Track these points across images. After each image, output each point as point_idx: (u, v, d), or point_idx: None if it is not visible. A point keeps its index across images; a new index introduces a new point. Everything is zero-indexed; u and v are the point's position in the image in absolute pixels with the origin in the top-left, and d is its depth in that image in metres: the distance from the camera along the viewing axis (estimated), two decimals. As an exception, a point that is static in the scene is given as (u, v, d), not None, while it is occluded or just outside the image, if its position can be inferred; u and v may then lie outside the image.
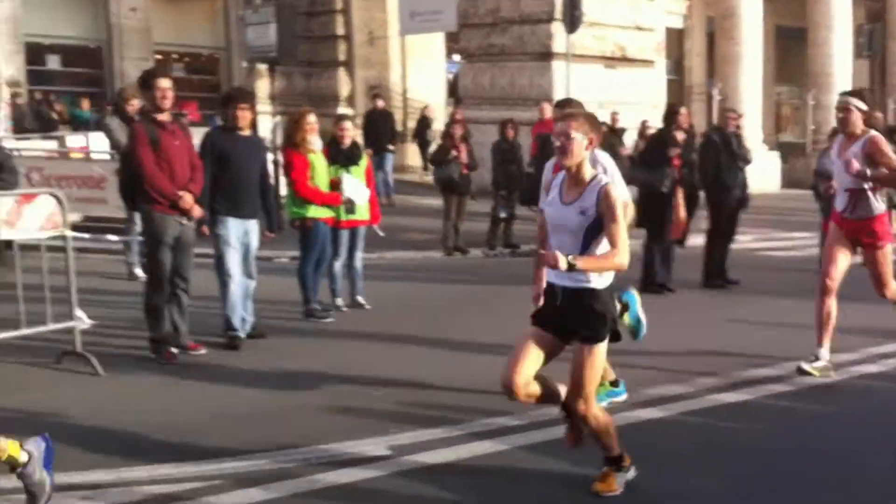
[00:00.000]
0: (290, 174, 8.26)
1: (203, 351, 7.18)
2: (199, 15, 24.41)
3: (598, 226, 4.22)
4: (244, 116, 7.41)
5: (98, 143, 13.58)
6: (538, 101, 15.90)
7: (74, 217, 7.70)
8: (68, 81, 22.03)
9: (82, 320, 6.78)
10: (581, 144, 4.24)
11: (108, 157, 12.09)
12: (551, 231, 4.39)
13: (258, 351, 7.30)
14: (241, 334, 7.42)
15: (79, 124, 17.55)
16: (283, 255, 9.76)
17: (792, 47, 28.49)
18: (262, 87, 22.29)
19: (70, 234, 7.03)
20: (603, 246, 4.29)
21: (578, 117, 4.35)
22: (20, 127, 15.65)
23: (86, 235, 8.11)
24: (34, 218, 6.73)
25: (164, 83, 6.91)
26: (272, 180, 9.50)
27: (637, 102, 17.69)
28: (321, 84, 23.07)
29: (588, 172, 4.31)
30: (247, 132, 7.53)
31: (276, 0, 20.43)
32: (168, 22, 23.32)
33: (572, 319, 4.33)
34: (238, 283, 7.35)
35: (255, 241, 7.53)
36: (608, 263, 4.24)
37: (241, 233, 7.36)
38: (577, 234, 4.25)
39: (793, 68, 28.87)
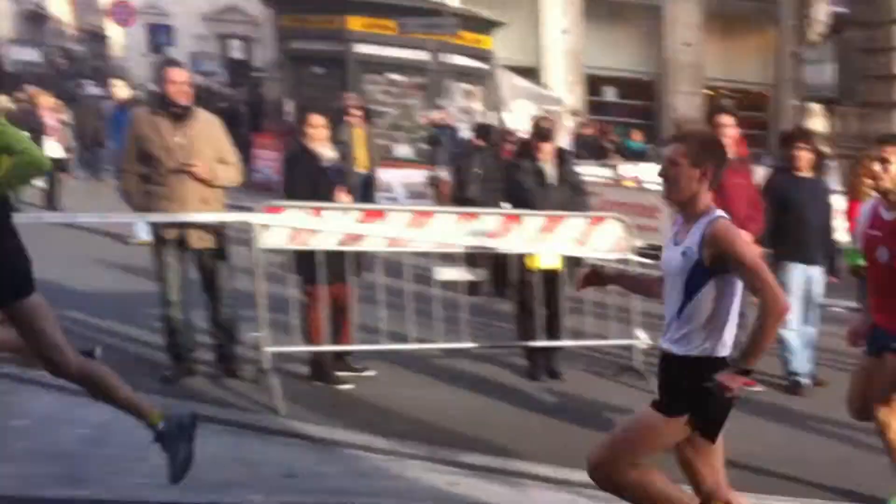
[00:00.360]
0: (849, 220, 7.91)
1: (759, 388, 7.03)
2: (751, 51, 24.25)
3: (701, 272, 3.42)
4: (803, 157, 7.18)
5: (648, 174, 14.23)
6: None
7: (637, 243, 8.14)
8: (621, 112, 23.32)
9: (641, 339, 7.18)
10: (691, 175, 3.47)
11: (660, 187, 12.59)
12: (665, 278, 3.62)
13: (817, 399, 6.98)
14: (803, 379, 7.17)
15: (629, 154, 18.44)
16: (838, 304, 9.28)
17: None
18: (814, 126, 21.62)
19: (634, 258, 7.50)
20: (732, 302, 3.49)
21: (690, 139, 3.54)
22: (579, 154, 16.89)
23: (648, 261, 8.51)
24: (602, 240, 7.26)
25: (725, 120, 6.98)
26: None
27: None
28: (877, 126, 21.60)
29: (702, 207, 3.52)
30: (808, 174, 7.27)
31: (837, 37, 19.53)
32: (719, 57, 23.52)
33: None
34: (796, 332, 7.11)
35: (818, 288, 7.22)
36: (766, 325, 3.35)
37: (804, 280, 7.12)
38: (678, 279, 3.48)
39: None
